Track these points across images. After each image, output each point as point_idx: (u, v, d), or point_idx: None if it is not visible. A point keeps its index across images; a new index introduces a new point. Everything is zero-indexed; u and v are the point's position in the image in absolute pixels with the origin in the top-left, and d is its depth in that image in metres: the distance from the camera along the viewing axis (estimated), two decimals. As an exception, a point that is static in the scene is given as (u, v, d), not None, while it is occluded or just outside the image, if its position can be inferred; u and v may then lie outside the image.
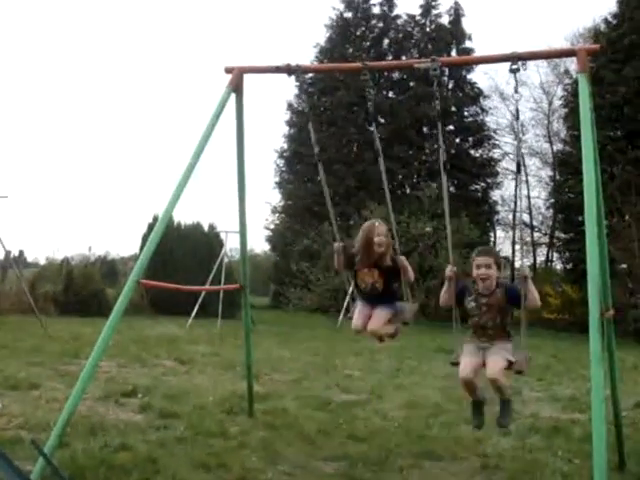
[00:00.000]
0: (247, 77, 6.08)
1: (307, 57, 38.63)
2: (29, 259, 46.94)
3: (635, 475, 5.87)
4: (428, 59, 5.62)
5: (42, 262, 34.04)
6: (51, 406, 7.23)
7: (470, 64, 34.93)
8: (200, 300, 21.62)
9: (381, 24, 39.95)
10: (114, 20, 69.13)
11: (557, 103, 39.46)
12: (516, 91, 5.47)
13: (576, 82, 5.25)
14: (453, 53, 38.40)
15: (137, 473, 5.04)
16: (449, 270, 5.80)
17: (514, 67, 5.25)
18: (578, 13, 69.47)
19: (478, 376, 5.49)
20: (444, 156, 5.92)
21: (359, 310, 6.09)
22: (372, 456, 6.11)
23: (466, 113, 39.34)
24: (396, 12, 40.20)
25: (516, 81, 5.36)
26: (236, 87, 5.99)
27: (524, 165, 41.73)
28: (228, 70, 5.99)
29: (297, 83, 6.19)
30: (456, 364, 5.54)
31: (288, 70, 5.87)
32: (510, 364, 5.35)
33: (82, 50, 69.53)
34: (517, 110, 5.98)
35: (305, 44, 48.04)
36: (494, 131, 40.03)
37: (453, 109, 37.99)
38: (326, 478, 5.44)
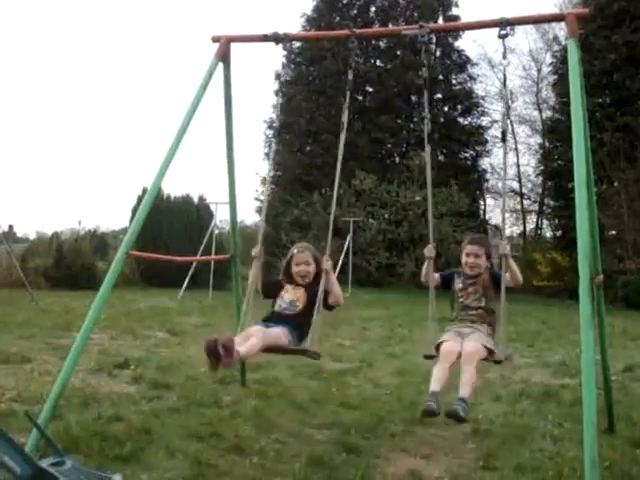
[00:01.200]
0: (234, 47, 6.02)
1: (294, 27, 38.41)
2: (19, 234, 46.66)
3: (624, 438, 5.93)
4: (416, 26, 5.59)
5: (32, 237, 33.99)
6: (44, 379, 7.25)
7: (458, 30, 34.55)
8: (191, 272, 21.66)
9: (367, -7, 39.64)
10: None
11: (546, 70, 39.33)
12: (504, 57, 5.42)
13: (565, 49, 5.23)
14: (440, 21, 38.12)
15: (131, 443, 5.06)
16: (428, 250, 5.75)
17: (503, 33, 5.22)
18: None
19: (455, 361, 5.29)
20: (429, 127, 5.81)
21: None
22: (364, 423, 6.16)
23: (454, 81, 39.15)
24: (382, -21, 39.89)
25: (504, 47, 5.33)
26: (223, 57, 5.94)
27: (513, 133, 41.71)
28: (215, 39, 5.93)
29: (285, 52, 6.14)
30: (430, 357, 5.45)
31: (276, 39, 5.83)
32: (490, 353, 5.26)
33: (68, 22, 68.95)
34: (505, 77, 5.97)
35: (292, 14, 47.74)
36: (482, 98, 39.91)
37: (441, 77, 37.79)
38: (319, 445, 5.48)
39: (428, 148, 5.82)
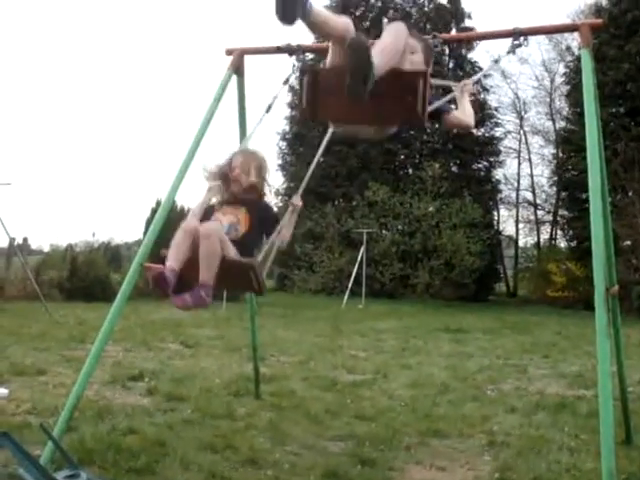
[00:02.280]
0: (248, 59, 6.05)
1: (308, 38, 38.49)
2: (33, 246, 46.90)
3: (642, 450, 5.89)
4: (429, 36, 5.59)
5: (46, 249, 34.15)
6: (58, 391, 7.25)
7: (471, 40, 34.57)
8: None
9: (380, 4, 39.69)
10: (112, 5, 68.91)
11: (559, 81, 39.36)
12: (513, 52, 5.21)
13: (578, 59, 5.22)
14: (453, 32, 38.14)
15: (145, 456, 5.05)
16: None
17: (516, 43, 5.21)
18: (579, -11, 68.87)
19: None
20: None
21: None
22: (379, 435, 6.13)
23: (468, 92, 39.16)
24: (395, -9, 40.00)
25: (514, 53, 5.29)
26: (237, 69, 5.95)
27: (527, 143, 41.73)
28: (229, 52, 5.95)
29: (298, 64, 6.14)
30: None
31: (289, 50, 5.82)
32: None
33: (82, 35, 69.48)
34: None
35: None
36: (496, 109, 39.91)
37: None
38: (333, 457, 5.46)
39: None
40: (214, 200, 5.19)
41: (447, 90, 5.49)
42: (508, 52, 5.26)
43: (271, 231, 4.92)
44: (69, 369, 8.60)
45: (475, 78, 5.27)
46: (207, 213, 5.10)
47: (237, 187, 5.12)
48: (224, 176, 5.18)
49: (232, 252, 4.65)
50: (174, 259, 4.60)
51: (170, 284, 4.43)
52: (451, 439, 6.16)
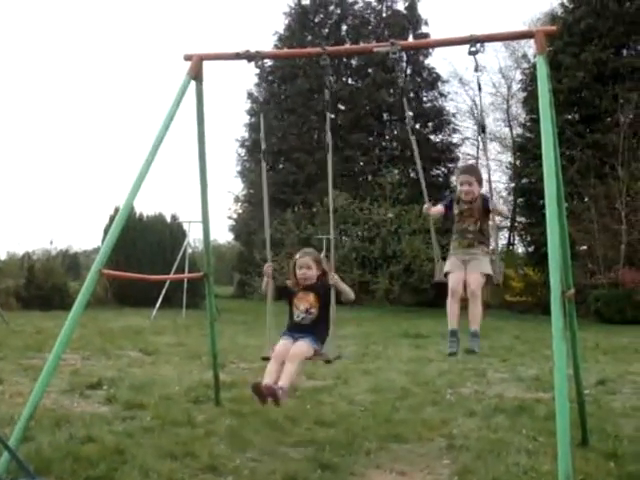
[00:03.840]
0: (207, 65, 6.04)
1: (266, 45, 38.52)
2: (-11, 254, 46.29)
3: (598, 451, 5.95)
4: (387, 43, 5.63)
5: (3, 257, 33.65)
6: (15, 400, 7.17)
7: (429, 47, 35.12)
8: (164, 291, 21.56)
9: (339, 11, 39.86)
10: (69, 11, 68.35)
11: (516, 87, 39.82)
12: (476, 70, 5.46)
13: (534, 66, 5.29)
14: (410, 39, 38.40)
15: (104, 464, 5.01)
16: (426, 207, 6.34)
17: (472, 49, 5.27)
18: (535, -2, 69.81)
19: (462, 288, 5.91)
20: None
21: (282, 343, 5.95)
22: (339, 440, 6.14)
23: (425, 98, 39.43)
24: (352, -1, 40.26)
25: (476, 62, 5.39)
26: (196, 75, 5.94)
27: (485, 150, 42.03)
28: (187, 57, 5.94)
29: (257, 70, 6.13)
30: (267, 359, 5.78)
31: (248, 57, 5.84)
32: (487, 278, 5.84)
33: (42, 39, 68.70)
34: (479, 85, 5.90)
35: (264, 32, 47.96)
36: (453, 115, 40.22)
37: (411, 95, 38.02)
38: (294, 463, 5.45)
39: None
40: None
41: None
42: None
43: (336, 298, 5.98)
44: (26, 378, 8.50)
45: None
46: (286, 290, 6.36)
47: (300, 278, 6.11)
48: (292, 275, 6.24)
49: (310, 350, 5.82)
50: (275, 372, 5.62)
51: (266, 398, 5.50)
52: (411, 443, 6.19)
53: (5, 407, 6.85)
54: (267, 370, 5.62)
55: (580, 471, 5.03)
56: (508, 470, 5.38)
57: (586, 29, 29.75)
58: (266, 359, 5.77)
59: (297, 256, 6.26)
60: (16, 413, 5.94)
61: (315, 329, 5.98)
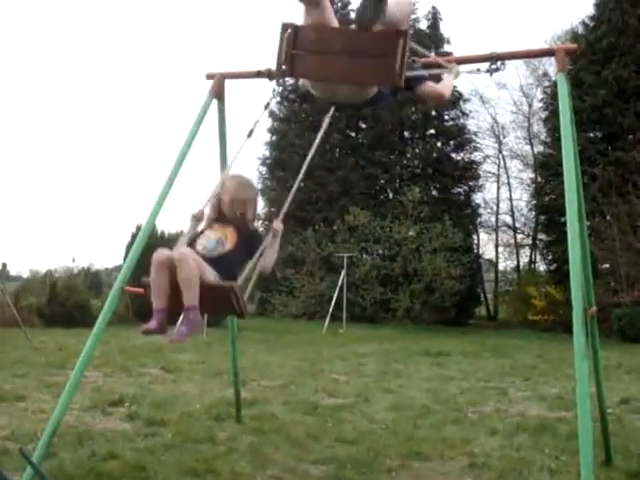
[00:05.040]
0: (229, 83, 6.09)
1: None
2: (12, 272, 46.73)
3: (621, 470, 5.90)
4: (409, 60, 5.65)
5: (26, 275, 33.98)
6: (38, 417, 7.21)
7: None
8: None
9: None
10: (90, 29, 69.06)
11: (537, 105, 39.71)
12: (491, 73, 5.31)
13: (555, 85, 5.29)
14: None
15: (126, 481, 5.04)
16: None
17: (493, 67, 5.29)
18: (556, 17, 69.80)
19: None
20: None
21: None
22: (360, 458, 6.12)
23: (447, 117, 39.42)
24: (375, 18, 40.27)
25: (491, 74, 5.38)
26: (218, 93, 5.99)
27: (505, 168, 42.03)
28: (209, 76, 5.99)
29: (279, 89, 6.15)
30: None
31: (270, 75, 5.88)
32: None
33: (60, 59, 69.39)
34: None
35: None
36: (475, 134, 40.17)
37: (434, 113, 38.04)
38: (315, 481, 5.46)
39: None
40: (201, 227, 5.19)
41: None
42: (487, 71, 5.32)
43: (255, 253, 4.85)
44: (48, 395, 8.55)
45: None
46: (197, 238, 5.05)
47: (227, 208, 5.07)
48: (215, 199, 5.14)
49: (211, 276, 4.64)
50: (157, 298, 4.67)
51: (162, 328, 4.59)
52: (432, 461, 6.16)
53: (28, 423, 6.90)
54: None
55: (603, 490, 5.00)
56: (530, 489, 5.36)
57: (607, 47, 29.67)
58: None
59: (230, 183, 5.18)
60: (39, 429, 5.99)
61: (223, 262, 4.78)
